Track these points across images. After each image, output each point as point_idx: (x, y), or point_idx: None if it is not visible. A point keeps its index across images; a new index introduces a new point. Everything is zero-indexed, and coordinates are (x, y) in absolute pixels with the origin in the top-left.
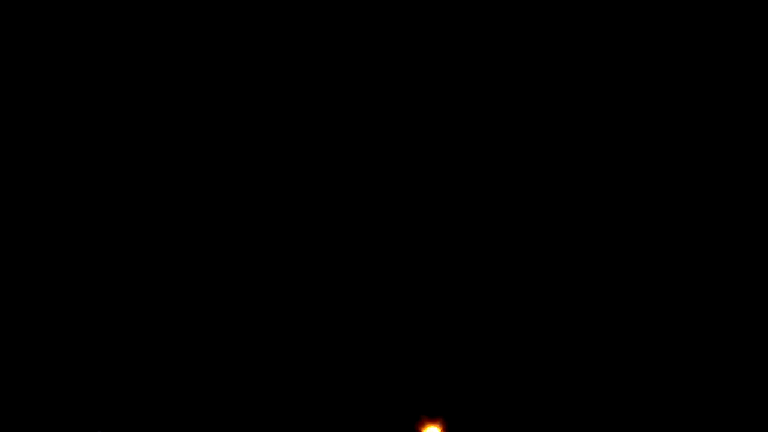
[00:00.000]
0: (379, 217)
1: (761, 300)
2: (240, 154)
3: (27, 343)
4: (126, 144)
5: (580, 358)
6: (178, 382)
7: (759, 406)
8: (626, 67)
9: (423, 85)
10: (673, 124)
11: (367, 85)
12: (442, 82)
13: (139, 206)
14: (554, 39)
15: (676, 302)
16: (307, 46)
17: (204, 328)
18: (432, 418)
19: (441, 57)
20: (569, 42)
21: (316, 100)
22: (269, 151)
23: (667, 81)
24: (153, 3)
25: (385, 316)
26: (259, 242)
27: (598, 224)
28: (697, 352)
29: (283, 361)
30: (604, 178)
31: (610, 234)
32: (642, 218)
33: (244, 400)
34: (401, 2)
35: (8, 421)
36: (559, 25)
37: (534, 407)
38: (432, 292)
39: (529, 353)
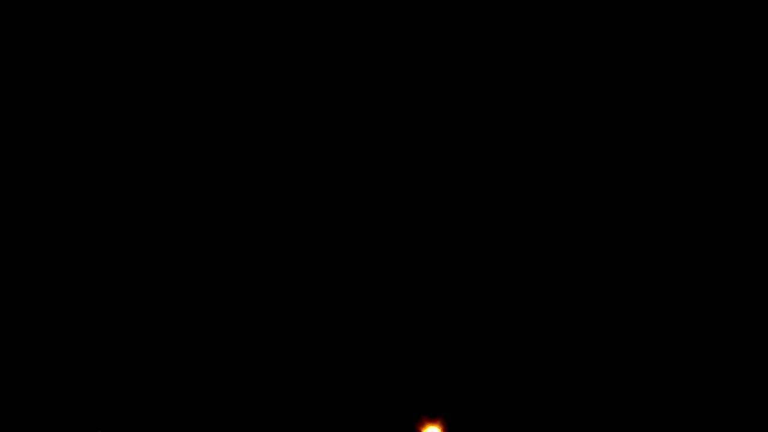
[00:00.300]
0: (379, 218)
1: (761, 300)
2: (240, 154)
3: (27, 343)
4: (126, 144)
5: (580, 358)
6: (178, 382)
7: (759, 406)
8: (626, 67)
9: (423, 86)
10: (673, 124)
11: (367, 85)
12: (442, 82)
13: (139, 206)
14: (554, 39)
15: (676, 302)
16: (307, 46)
17: (204, 328)
18: (432, 418)
19: (441, 57)
20: (569, 42)
21: (316, 100)
22: (269, 152)
23: (667, 81)
24: (153, 3)
25: (385, 316)
26: (259, 242)
27: (598, 224)
28: (697, 352)
29: (283, 361)
30: (604, 178)
31: (610, 234)
32: (642, 218)
33: (244, 400)
34: (401, 2)
35: (8, 421)
36: (559, 25)
37: (534, 407)
38: (432, 292)
39: (529, 353)
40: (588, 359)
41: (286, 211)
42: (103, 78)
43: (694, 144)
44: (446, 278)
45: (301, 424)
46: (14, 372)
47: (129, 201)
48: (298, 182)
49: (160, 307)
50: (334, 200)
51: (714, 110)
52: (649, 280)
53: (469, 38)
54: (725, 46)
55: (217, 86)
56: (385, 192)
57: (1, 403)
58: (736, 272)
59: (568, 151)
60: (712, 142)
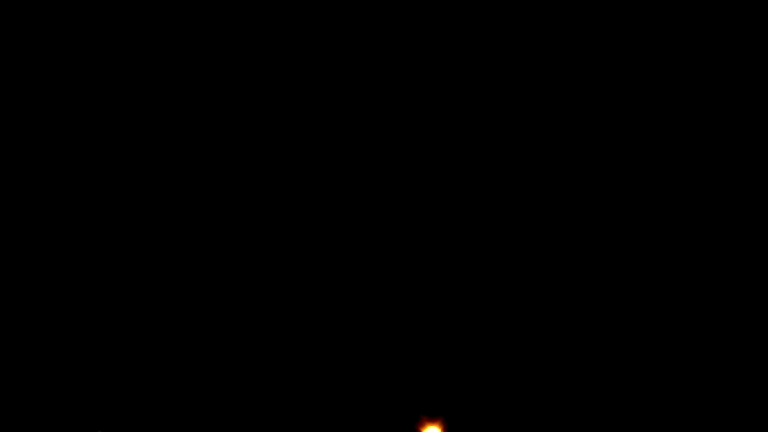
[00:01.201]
0: (379, 218)
1: (761, 300)
2: (240, 154)
3: (27, 343)
4: (126, 144)
5: (580, 358)
6: (178, 382)
7: (759, 406)
8: (626, 67)
9: (423, 86)
10: (674, 125)
11: (367, 85)
12: (442, 82)
13: (139, 206)
14: (554, 39)
15: (676, 302)
16: (307, 46)
17: (204, 328)
18: (432, 418)
19: (441, 57)
20: (569, 42)
21: (316, 100)
22: (269, 151)
23: (667, 81)
24: (153, 3)
25: (385, 316)
26: (260, 242)
27: (598, 224)
28: (697, 352)
29: (283, 361)
30: (604, 178)
31: (610, 234)
32: (642, 218)
33: (244, 400)
34: (401, 2)
35: (8, 421)
36: (559, 25)
37: (534, 407)
38: (432, 292)
39: (529, 353)
40: (588, 359)
41: (286, 211)
42: (104, 78)
43: (694, 144)
44: (446, 278)
45: (301, 424)
46: (14, 372)
47: (129, 201)
48: (298, 182)
49: (160, 307)
50: (334, 200)
51: (714, 110)
52: (648, 280)
53: (469, 38)
54: (725, 46)
55: (217, 86)
56: (385, 192)
57: (1, 403)
58: (736, 272)
59: (568, 151)
60: (712, 142)
